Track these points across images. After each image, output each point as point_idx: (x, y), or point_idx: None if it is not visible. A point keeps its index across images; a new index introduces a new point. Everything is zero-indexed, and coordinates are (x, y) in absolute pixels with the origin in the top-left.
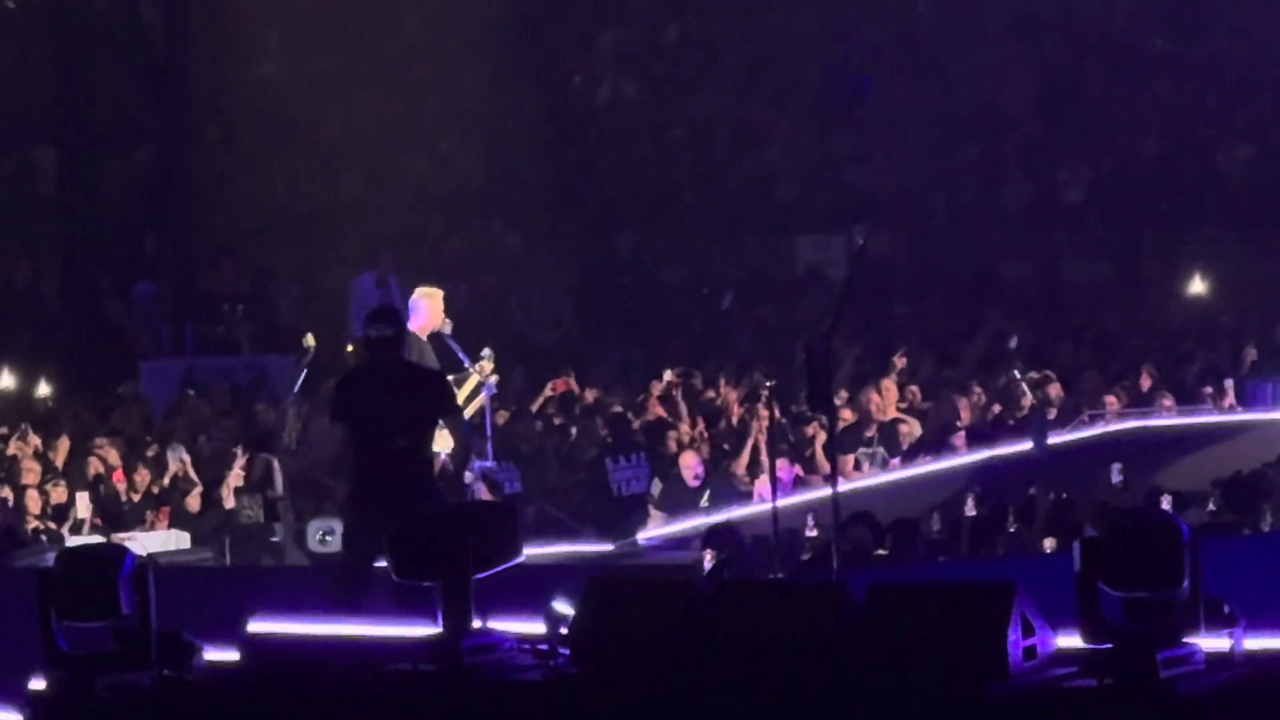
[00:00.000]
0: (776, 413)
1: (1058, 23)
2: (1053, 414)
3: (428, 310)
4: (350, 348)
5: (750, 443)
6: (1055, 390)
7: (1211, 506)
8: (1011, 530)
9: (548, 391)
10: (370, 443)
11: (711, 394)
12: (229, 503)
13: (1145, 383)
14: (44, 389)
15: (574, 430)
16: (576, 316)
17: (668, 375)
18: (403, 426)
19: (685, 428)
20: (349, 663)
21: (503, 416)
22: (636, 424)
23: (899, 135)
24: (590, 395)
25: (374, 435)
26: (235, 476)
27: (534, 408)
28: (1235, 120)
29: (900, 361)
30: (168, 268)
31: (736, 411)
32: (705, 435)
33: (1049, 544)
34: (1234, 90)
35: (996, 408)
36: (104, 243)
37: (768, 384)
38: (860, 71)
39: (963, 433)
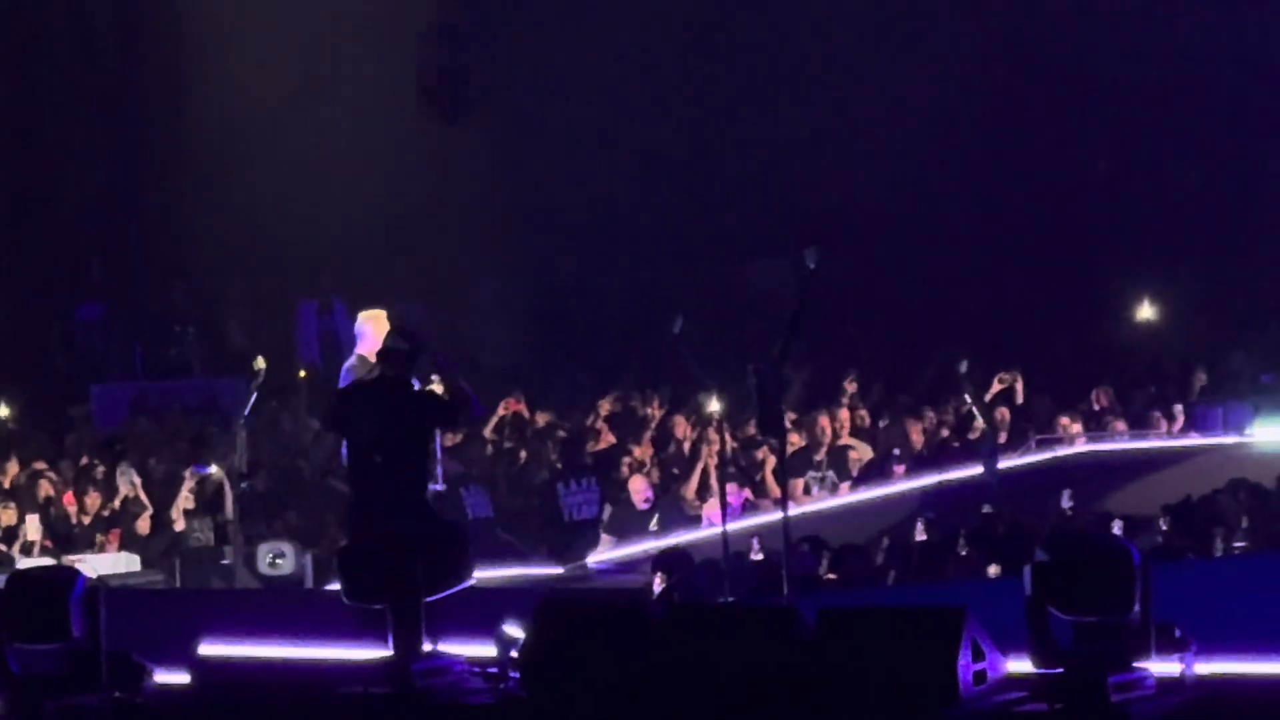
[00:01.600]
0: (727, 437)
1: (1008, 46)
2: (1003, 439)
3: (373, 334)
4: (303, 373)
5: (699, 467)
6: (1003, 414)
7: (1163, 528)
8: (962, 554)
9: (500, 411)
10: (356, 456)
11: (656, 416)
12: (179, 525)
13: (1100, 403)
14: None
15: (524, 454)
16: (525, 339)
17: (605, 403)
18: (382, 442)
19: (639, 450)
20: (300, 685)
21: (451, 439)
22: (589, 449)
23: (850, 159)
24: (541, 419)
25: (358, 449)
26: (184, 499)
27: (486, 431)
28: (1186, 143)
29: (851, 386)
30: (118, 289)
31: (690, 435)
32: (654, 459)
33: (993, 570)
34: (1185, 113)
35: (945, 432)
36: (54, 264)
37: (715, 409)
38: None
39: (905, 460)
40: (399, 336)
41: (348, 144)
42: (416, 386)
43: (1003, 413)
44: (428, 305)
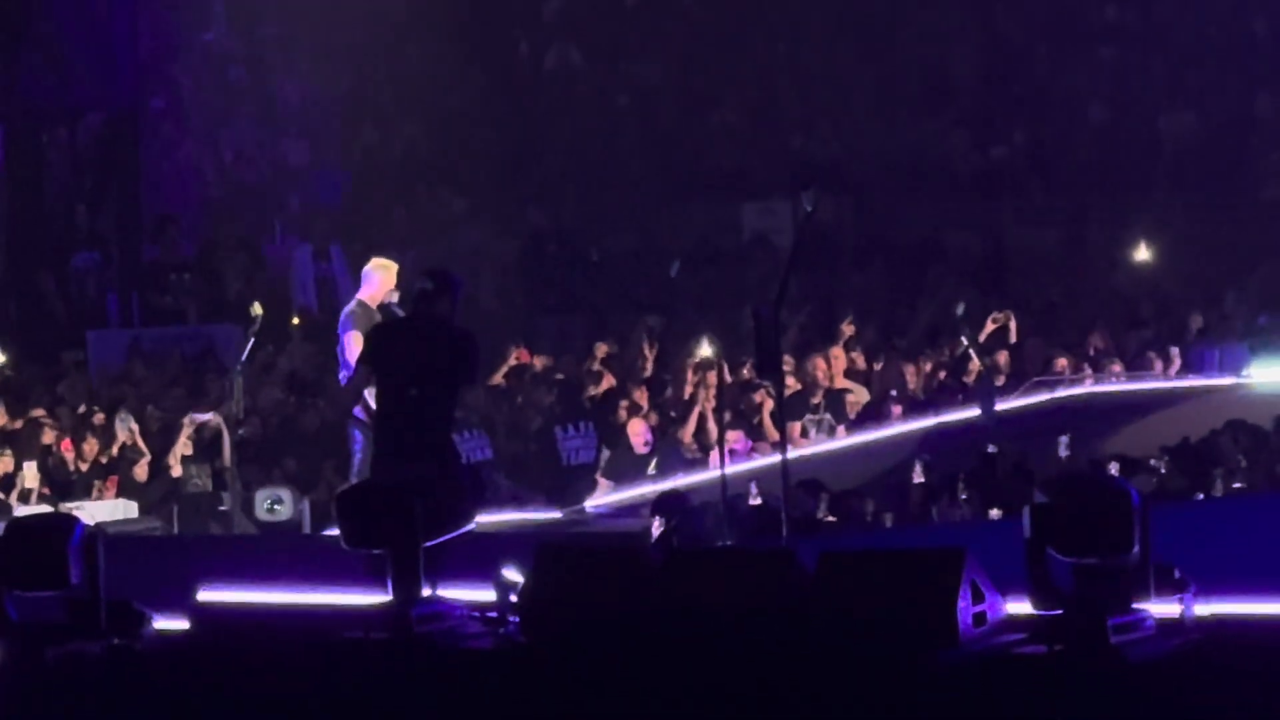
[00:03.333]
0: (727, 377)
1: None
2: (1001, 380)
3: (381, 281)
4: (297, 319)
5: (697, 410)
6: (1003, 357)
7: (1160, 472)
8: (963, 496)
9: (511, 361)
10: (388, 390)
11: (652, 360)
12: (177, 472)
13: (1097, 346)
14: None
15: (520, 399)
16: (518, 285)
17: (602, 346)
18: (418, 377)
19: (636, 394)
20: (299, 631)
21: None
22: (586, 393)
23: (845, 102)
24: (539, 363)
25: (392, 382)
26: (183, 445)
27: (495, 378)
28: (1181, 86)
29: (849, 329)
30: (113, 238)
31: (690, 380)
32: (651, 403)
33: (995, 513)
34: (1180, 56)
35: (942, 374)
36: (48, 213)
37: (712, 352)
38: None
39: (900, 405)
40: (425, 277)
41: (342, 89)
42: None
43: (1001, 355)
44: (419, 251)
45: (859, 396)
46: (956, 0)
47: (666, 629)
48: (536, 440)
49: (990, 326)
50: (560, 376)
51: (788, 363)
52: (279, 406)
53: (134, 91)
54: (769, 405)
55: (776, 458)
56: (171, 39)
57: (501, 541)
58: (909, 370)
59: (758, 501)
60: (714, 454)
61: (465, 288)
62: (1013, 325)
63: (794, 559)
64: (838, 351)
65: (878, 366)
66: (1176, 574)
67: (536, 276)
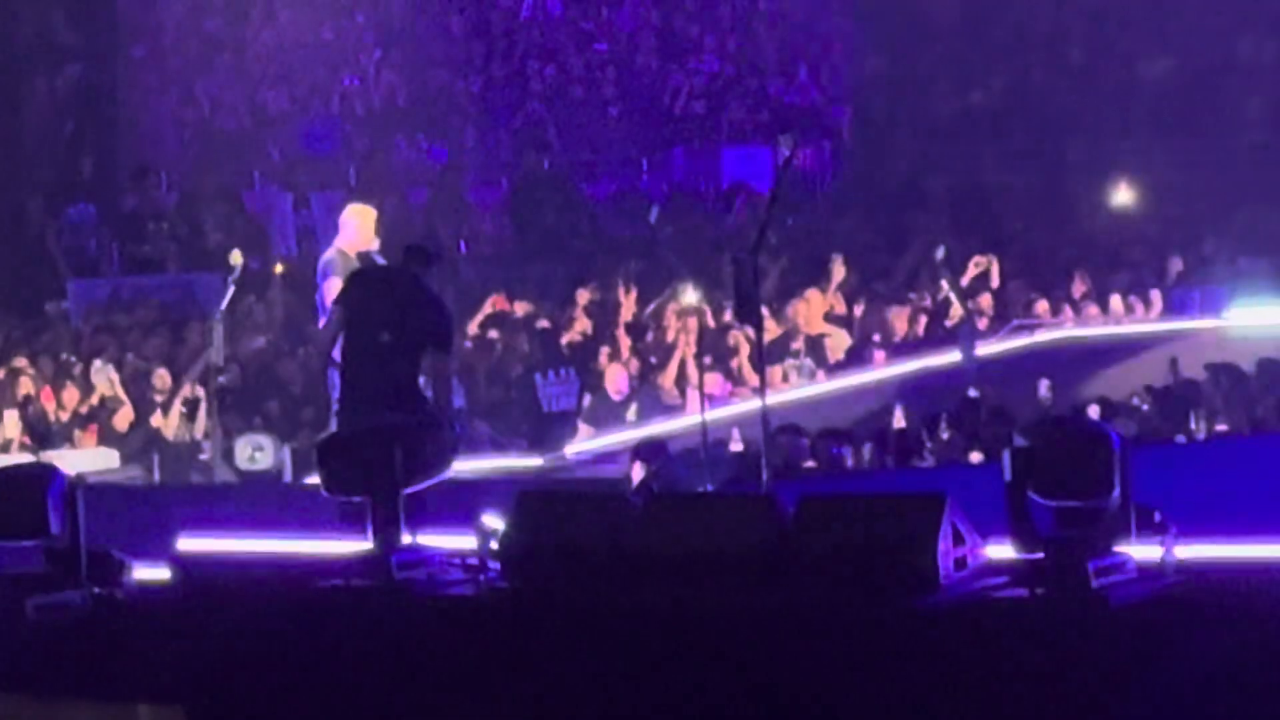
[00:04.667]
0: (710, 322)
1: None
2: (983, 324)
3: (357, 228)
4: (279, 267)
5: (677, 356)
6: (985, 300)
7: (1141, 414)
8: (944, 438)
9: (486, 309)
10: (360, 335)
11: (632, 306)
12: (159, 423)
13: (1078, 290)
14: None
15: (501, 345)
16: (498, 232)
17: (584, 292)
18: (391, 324)
19: (619, 339)
20: (280, 579)
21: None
22: (565, 340)
23: (823, 47)
24: (519, 309)
25: (364, 328)
26: (176, 413)
27: (472, 326)
28: (1160, 29)
29: (840, 269)
30: (94, 187)
31: (673, 325)
32: (632, 349)
33: (976, 457)
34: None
35: (922, 319)
36: (31, 163)
37: (692, 298)
38: None
39: (882, 349)
40: (427, 241)
41: (322, 37)
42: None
43: (985, 299)
44: (399, 199)
45: (840, 341)
46: None
47: (647, 574)
48: (517, 387)
49: (972, 270)
50: (542, 323)
51: (768, 308)
52: (259, 355)
53: (112, 40)
54: (747, 350)
55: (757, 403)
56: None
57: (482, 488)
58: (890, 315)
59: (738, 447)
60: (694, 399)
61: (440, 236)
62: (994, 269)
63: (774, 504)
64: (815, 294)
65: (859, 311)
66: (1157, 517)
67: (518, 224)
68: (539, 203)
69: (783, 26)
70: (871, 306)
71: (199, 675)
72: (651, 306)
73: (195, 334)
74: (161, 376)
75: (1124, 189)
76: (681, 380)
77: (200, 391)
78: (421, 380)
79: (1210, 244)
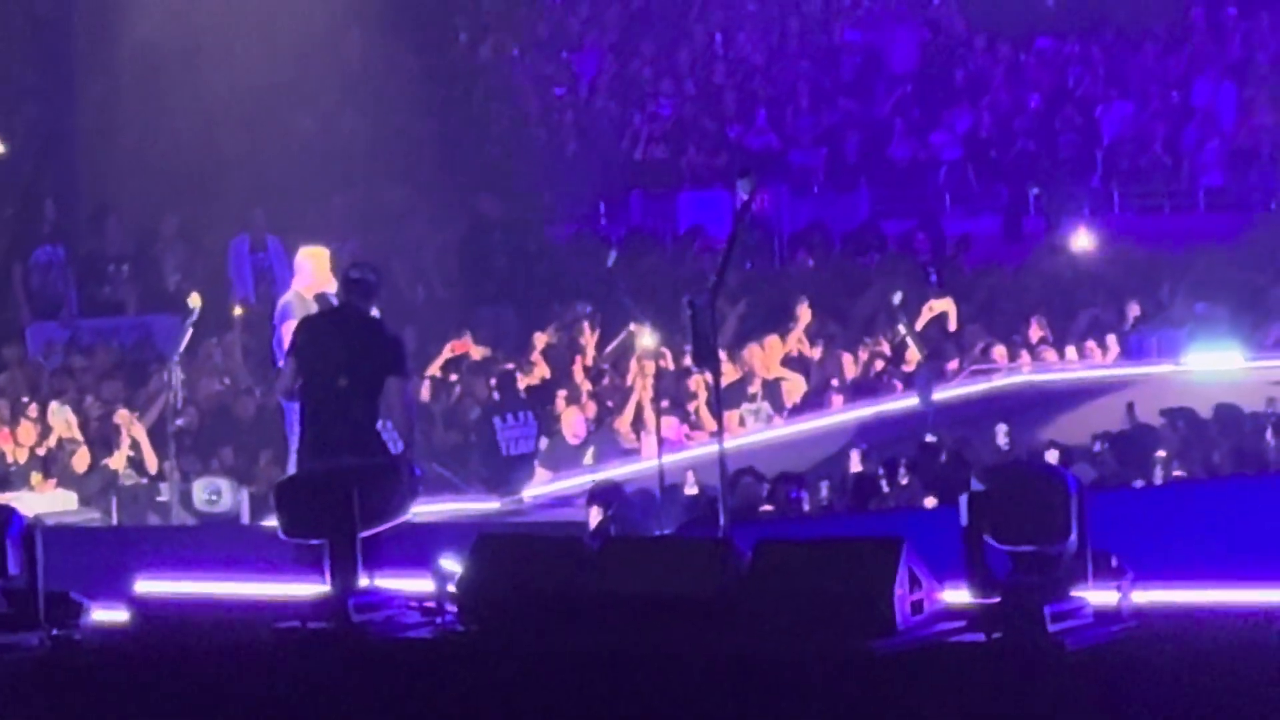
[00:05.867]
0: (664, 366)
1: None
2: (945, 368)
3: (313, 270)
4: (239, 309)
5: (634, 399)
6: (943, 345)
7: (1099, 456)
8: (903, 483)
9: (446, 353)
10: (315, 381)
11: (590, 349)
12: (117, 465)
13: (1035, 334)
14: None
15: (459, 388)
16: (457, 275)
17: (542, 336)
18: (346, 368)
19: (577, 380)
20: (237, 621)
21: None
22: (523, 383)
23: (781, 90)
24: (477, 353)
25: (320, 373)
26: (126, 448)
27: (432, 370)
28: (1119, 75)
29: (804, 313)
30: (56, 229)
31: (635, 370)
32: (590, 393)
33: (932, 501)
34: (1117, 43)
35: (879, 363)
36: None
37: (649, 342)
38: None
39: (839, 393)
40: (363, 267)
41: (280, 79)
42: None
43: (939, 342)
44: (360, 241)
45: (797, 385)
46: None
47: (604, 617)
48: (475, 430)
49: (928, 314)
50: (500, 366)
51: (725, 352)
52: (217, 397)
53: (69, 80)
54: (704, 394)
55: (714, 446)
56: (108, 28)
57: (439, 531)
58: (847, 359)
59: (694, 490)
60: (651, 443)
61: (398, 278)
62: (952, 313)
63: (731, 547)
64: (774, 340)
65: (816, 355)
66: (1114, 561)
67: (476, 266)
68: (496, 245)
69: (741, 71)
70: (829, 350)
71: (156, 717)
72: (610, 348)
73: (153, 376)
74: (121, 418)
75: (1082, 234)
76: (638, 424)
77: (139, 432)
78: (380, 423)
79: (1168, 289)
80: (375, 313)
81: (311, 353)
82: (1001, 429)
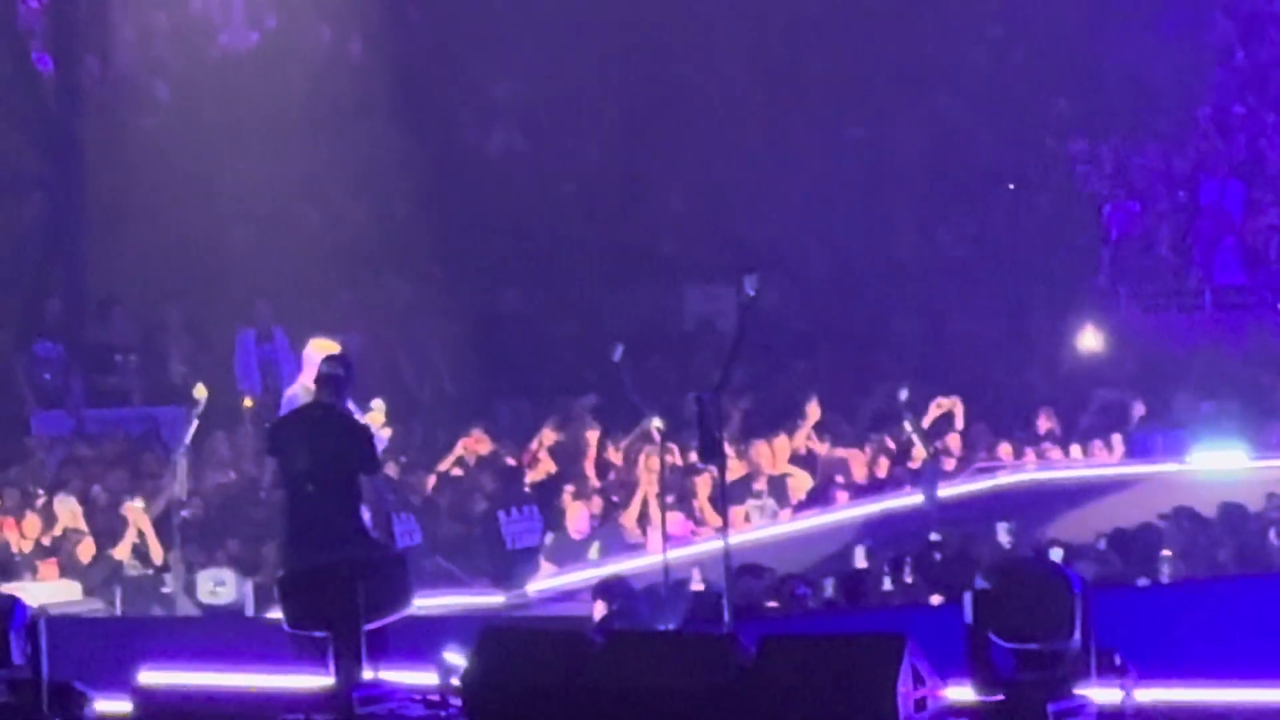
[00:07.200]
0: (677, 459)
1: (948, 75)
2: (948, 465)
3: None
4: (248, 402)
5: (640, 494)
6: (950, 441)
7: (1102, 558)
8: (908, 581)
9: (458, 451)
10: (289, 480)
11: (595, 444)
12: (122, 555)
13: (1042, 427)
14: None
15: (464, 482)
16: (464, 369)
17: (548, 430)
18: (314, 467)
19: (585, 472)
20: (241, 713)
21: (393, 469)
22: (529, 478)
23: (788, 187)
24: (484, 447)
25: (291, 474)
26: (132, 536)
27: (444, 465)
28: (1125, 174)
29: (814, 410)
30: (61, 319)
31: (647, 464)
32: (596, 487)
33: (937, 599)
34: (1124, 144)
35: (884, 461)
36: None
37: (658, 429)
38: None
39: (846, 487)
40: (335, 362)
41: (288, 172)
42: (355, 413)
43: (949, 439)
44: (366, 335)
45: (802, 481)
46: (900, 84)
47: (609, 712)
48: (480, 523)
49: (935, 411)
50: (505, 460)
51: (731, 448)
52: (223, 489)
53: (79, 170)
54: (709, 489)
55: (719, 542)
56: (116, 121)
57: (444, 624)
58: (854, 456)
59: (700, 586)
60: (656, 538)
61: (404, 372)
62: (959, 411)
63: (736, 643)
64: (782, 438)
65: (823, 451)
66: (1118, 660)
67: (483, 360)
68: (504, 339)
69: (749, 165)
70: (835, 447)
71: None
72: (623, 445)
73: (159, 467)
74: (127, 508)
75: (1088, 332)
76: (644, 519)
77: (144, 522)
78: (364, 514)
79: (1173, 387)
80: (351, 406)
81: (285, 453)
82: (1003, 527)
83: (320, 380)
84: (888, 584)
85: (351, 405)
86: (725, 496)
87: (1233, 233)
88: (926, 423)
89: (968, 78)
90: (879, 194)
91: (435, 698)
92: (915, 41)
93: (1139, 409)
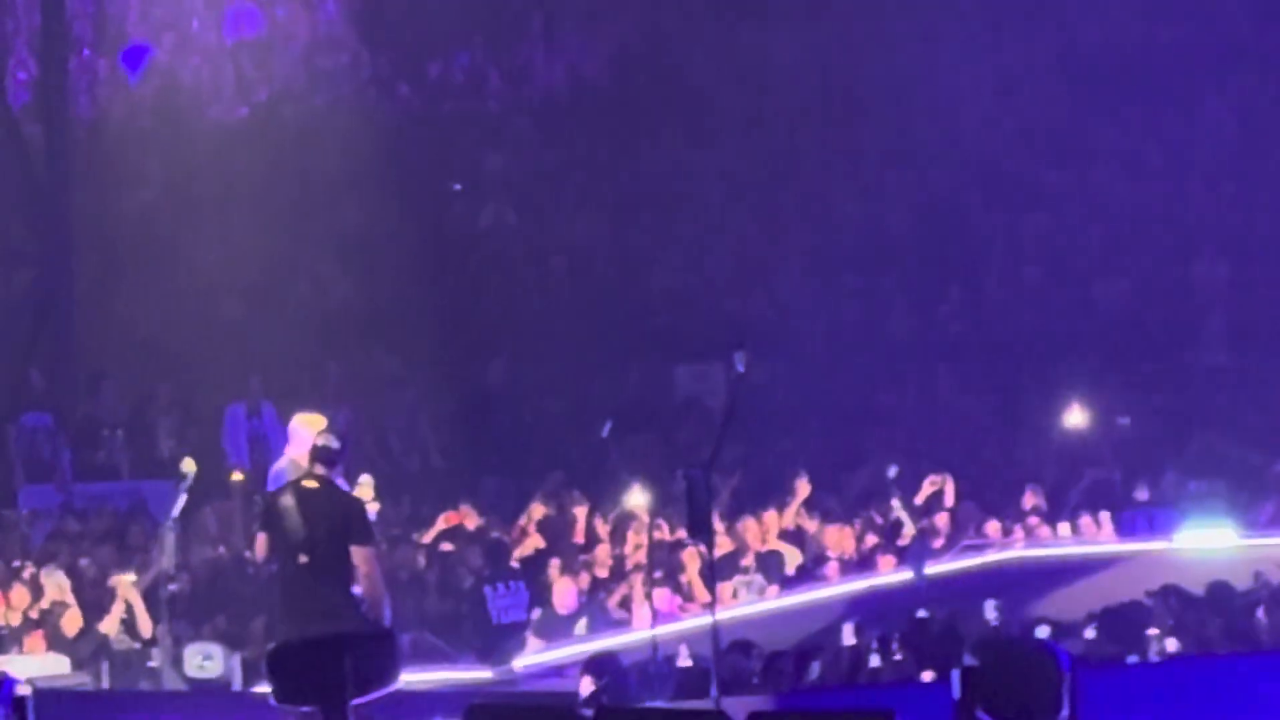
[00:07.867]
0: (666, 534)
1: (940, 150)
2: (937, 543)
3: (306, 437)
4: (239, 476)
5: (628, 570)
6: (940, 519)
7: (1090, 636)
8: (897, 658)
9: (440, 525)
10: (281, 555)
11: (583, 520)
12: (108, 628)
13: (1029, 502)
14: None
15: (451, 557)
16: (452, 443)
17: (537, 506)
18: (308, 541)
19: (580, 541)
20: None
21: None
22: (516, 553)
23: (779, 263)
24: (471, 522)
25: (283, 548)
26: (119, 611)
27: (425, 538)
28: (1116, 251)
29: (803, 487)
30: (48, 394)
31: (636, 539)
32: (584, 562)
33: (927, 676)
34: (1115, 221)
35: (875, 537)
36: None
37: (643, 513)
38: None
39: (835, 563)
40: (329, 435)
41: (276, 246)
42: (345, 487)
43: (941, 517)
44: (354, 408)
45: (792, 557)
46: (892, 161)
47: None
48: (467, 599)
49: (927, 489)
50: (493, 535)
51: (719, 526)
52: (211, 563)
53: (67, 246)
54: (697, 565)
55: (707, 618)
56: (106, 196)
57: (431, 699)
58: (842, 533)
59: (688, 662)
60: (644, 614)
61: (392, 446)
62: (949, 489)
63: (724, 719)
64: (771, 514)
65: (812, 527)
66: None
67: (469, 435)
68: (492, 414)
69: (740, 241)
70: (824, 524)
71: None
72: (611, 519)
73: (147, 540)
74: (115, 581)
75: (1077, 410)
76: (627, 601)
77: (133, 596)
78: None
79: (1162, 467)
80: (340, 480)
81: (278, 527)
82: (990, 604)
83: (315, 454)
84: (876, 660)
85: (341, 481)
86: (714, 572)
87: (1223, 313)
88: (919, 500)
89: (959, 151)
90: (869, 269)
91: None
92: (905, 116)
93: (1128, 487)
